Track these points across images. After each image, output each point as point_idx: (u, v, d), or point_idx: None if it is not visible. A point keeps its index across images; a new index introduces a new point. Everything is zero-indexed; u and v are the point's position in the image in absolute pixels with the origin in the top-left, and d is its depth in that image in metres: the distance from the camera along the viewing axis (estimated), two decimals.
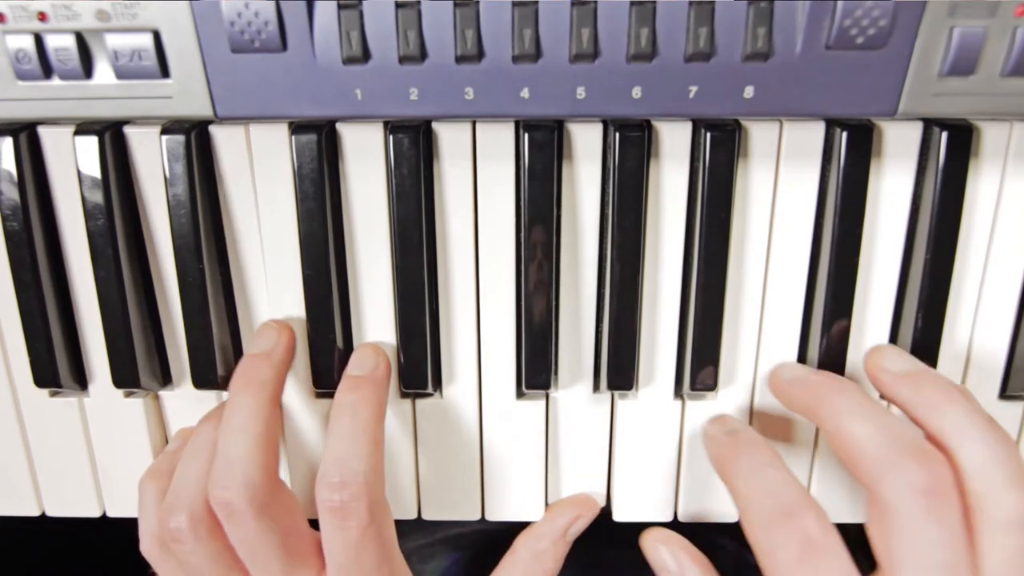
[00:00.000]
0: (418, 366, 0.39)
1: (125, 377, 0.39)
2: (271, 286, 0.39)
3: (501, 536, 0.42)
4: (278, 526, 0.36)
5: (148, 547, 0.39)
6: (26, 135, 0.37)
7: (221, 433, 0.36)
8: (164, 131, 0.36)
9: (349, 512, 0.35)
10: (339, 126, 0.37)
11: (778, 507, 0.33)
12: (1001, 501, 0.30)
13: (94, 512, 0.43)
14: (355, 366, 0.38)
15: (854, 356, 0.39)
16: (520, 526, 0.43)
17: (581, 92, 0.35)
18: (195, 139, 0.36)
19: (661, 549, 0.38)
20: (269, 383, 0.37)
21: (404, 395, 0.41)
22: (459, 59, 0.34)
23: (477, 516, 0.43)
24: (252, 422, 0.36)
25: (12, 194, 0.37)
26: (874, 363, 0.37)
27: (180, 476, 0.37)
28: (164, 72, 0.35)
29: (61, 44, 0.34)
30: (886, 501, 0.31)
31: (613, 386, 0.39)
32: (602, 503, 0.42)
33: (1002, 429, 0.32)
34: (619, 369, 0.39)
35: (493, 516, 0.43)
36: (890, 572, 0.31)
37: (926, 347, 0.38)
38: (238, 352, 0.40)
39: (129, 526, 0.44)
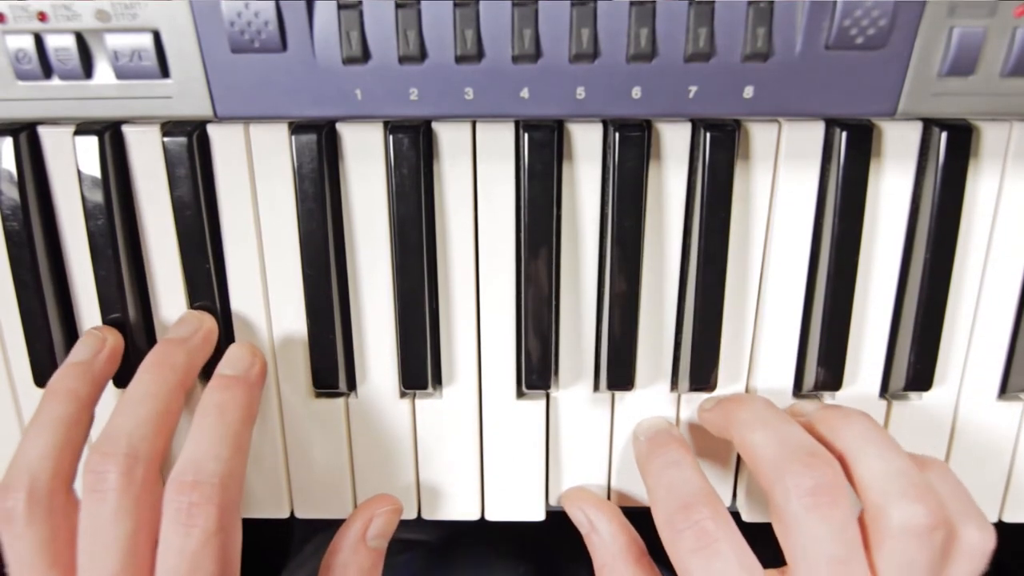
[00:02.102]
0: (418, 365, 0.39)
1: (125, 377, 0.39)
2: (271, 286, 0.39)
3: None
4: (139, 514, 0.33)
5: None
6: (26, 135, 0.37)
7: (118, 404, 0.34)
8: (165, 133, 0.36)
9: (196, 515, 0.32)
10: (339, 126, 0.37)
11: (677, 502, 0.35)
12: (895, 511, 0.32)
13: None
14: (228, 365, 0.37)
15: (854, 356, 0.39)
16: (519, 526, 0.43)
17: (581, 92, 0.35)
18: (196, 140, 0.36)
19: (573, 507, 0.40)
20: (180, 368, 0.36)
21: (404, 395, 0.41)
22: (459, 59, 0.34)
23: (477, 516, 0.43)
24: (150, 399, 0.34)
25: (12, 194, 0.37)
26: (790, 411, 0.39)
27: (24, 450, 0.34)
28: (164, 72, 0.35)
29: (61, 44, 0.34)
30: (777, 502, 0.33)
31: (613, 386, 0.39)
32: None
33: (898, 446, 0.34)
34: (619, 369, 0.39)
35: (493, 516, 0.43)
36: (791, 570, 0.33)
37: (926, 347, 0.38)
38: None
39: None
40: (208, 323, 0.38)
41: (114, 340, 0.38)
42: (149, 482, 0.33)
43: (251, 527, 0.44)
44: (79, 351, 0.37)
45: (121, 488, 0.32)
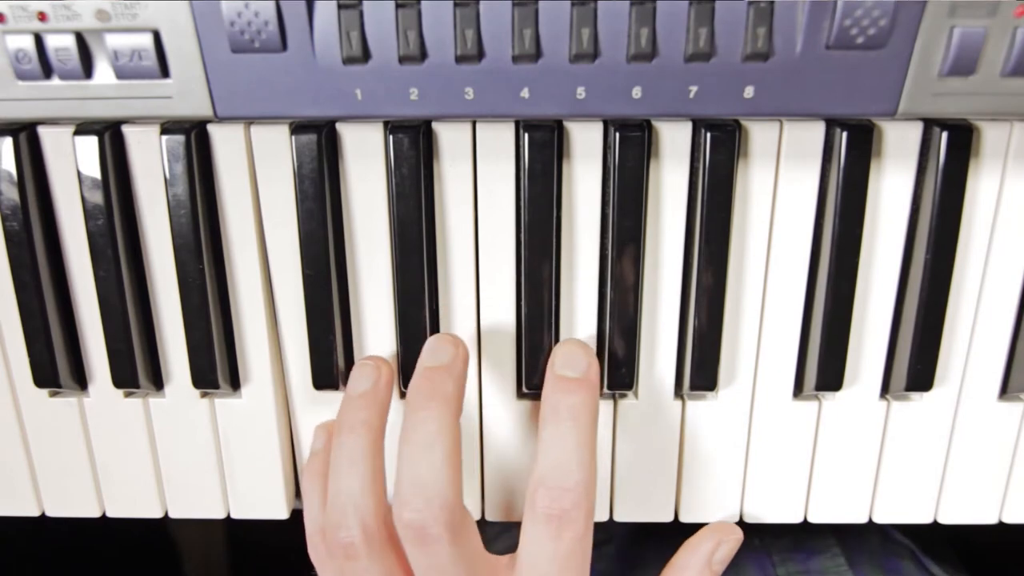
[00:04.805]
0: (413, 368, 0.39)
1: (125, 377, 0.39)
2: (273, 286, 0.39)
3: None
4: (469, 552, 0.35)
5: (314, 546, 0.38)
6: (26, 135, 0.37)
7: (405, 448, 0.34)
8: (164, 131, 0.36)
9: (569, 521, 0.34)
10: (339, 126, 0.36)
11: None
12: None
13: (94, 512, 0.43)
14: (567, 366, 0.37)
15: (854, 356, 0.39)
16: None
17: (581, 92, 0.35)
18: (195, 139, 0.36)
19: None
20: (453, 398, 0.36)
21: (404, 395, 0.41)
22: (459, 59, 0.34)
23: (477, 517, 0.43)
24: (440, 438, 0.34)
25: (12, 194, 0.37)
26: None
27: (341, 487, 0.35)
28: (164, 72, 0.35)
29: (61, 44, 0.34)
30: None
31: (613, 386, 0.39)
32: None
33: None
34: (619, 369, 0.39)
35: (493, 516, 0.43)
36: None
37: (926, 347, 0.38)
38: (233, 353, 0.40)
39: (129, 526, 0.44)
40: (463, 347, 0.38)
41: (387, 367, 0.38)
42: (466, 519, 0.35)
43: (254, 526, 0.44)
44: (359, 382, 0.38)
45: (450, 539, 0.33)
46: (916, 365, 0.38)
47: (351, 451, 0.36)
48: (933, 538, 0.53)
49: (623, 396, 0.40)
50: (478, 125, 0.36)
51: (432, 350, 0.37)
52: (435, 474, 0.33)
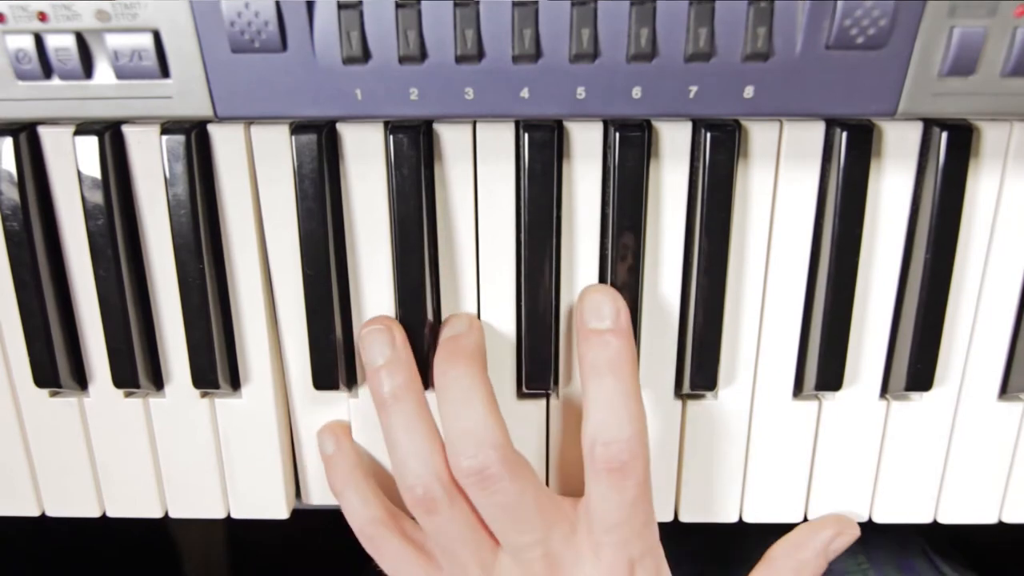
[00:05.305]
0: (418, 366, 0.39)
1: (125, 377, 0.39)
2: (273, 286, 0.39)
3: None
4: (532, 487, 0.36)
5: (369, 538, 0.39)
6: (26, 135, 0.37)
7: (446, 408, 0.36)
8: (164, 131, 0.36)
9: (629, 472, 0.35)
10: (339, 126, 0.37)
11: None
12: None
13: (94, 512, 0.43)
14: (595, 318, 0.37)
15: (854, 356, 0.39)
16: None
17: (581, 92, 0.35)
18: (195, 139, 0.36)
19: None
20: (476, 355, 0.37)
21: None
22: (459, 59, 0.34)
23: None
24: (474, 389, 0.36)
25: (12, 194, 0.37)
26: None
27: (406, 453, 0.36)
28: (164, 72, 0.35)
29: (61, 44, 0.34)
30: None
31: None
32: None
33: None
34: None
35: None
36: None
37: (926, 347, 0.38)
38: (233, 353, 0.40)
39: (129, 526, 0.44)
40: (476, 319, 0.39)
41: (396, 323, 0.38)
42: (521, 458, 0.36)
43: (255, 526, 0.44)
44: (378, 351, 0.38)
45: (510, 476, 0.35)
46: (916, 365, 0.38)
47: (402, 419, 0.37)
48: (935, 537, 0.53)
49: None
50: (478, 125, 0.36)
51: (448, 326, 0.39)
52: (480, 420, 0.35)
